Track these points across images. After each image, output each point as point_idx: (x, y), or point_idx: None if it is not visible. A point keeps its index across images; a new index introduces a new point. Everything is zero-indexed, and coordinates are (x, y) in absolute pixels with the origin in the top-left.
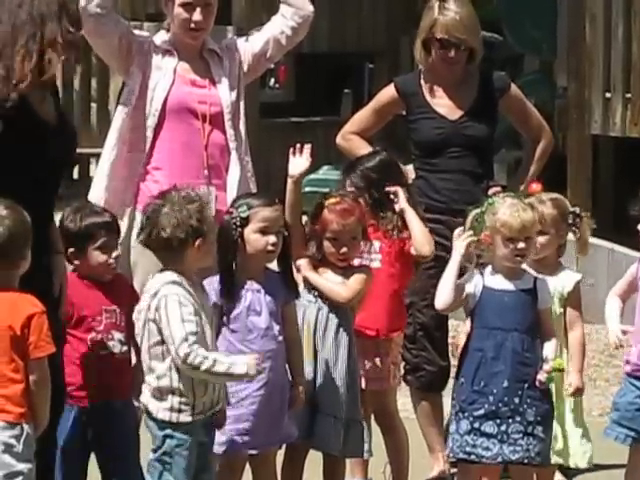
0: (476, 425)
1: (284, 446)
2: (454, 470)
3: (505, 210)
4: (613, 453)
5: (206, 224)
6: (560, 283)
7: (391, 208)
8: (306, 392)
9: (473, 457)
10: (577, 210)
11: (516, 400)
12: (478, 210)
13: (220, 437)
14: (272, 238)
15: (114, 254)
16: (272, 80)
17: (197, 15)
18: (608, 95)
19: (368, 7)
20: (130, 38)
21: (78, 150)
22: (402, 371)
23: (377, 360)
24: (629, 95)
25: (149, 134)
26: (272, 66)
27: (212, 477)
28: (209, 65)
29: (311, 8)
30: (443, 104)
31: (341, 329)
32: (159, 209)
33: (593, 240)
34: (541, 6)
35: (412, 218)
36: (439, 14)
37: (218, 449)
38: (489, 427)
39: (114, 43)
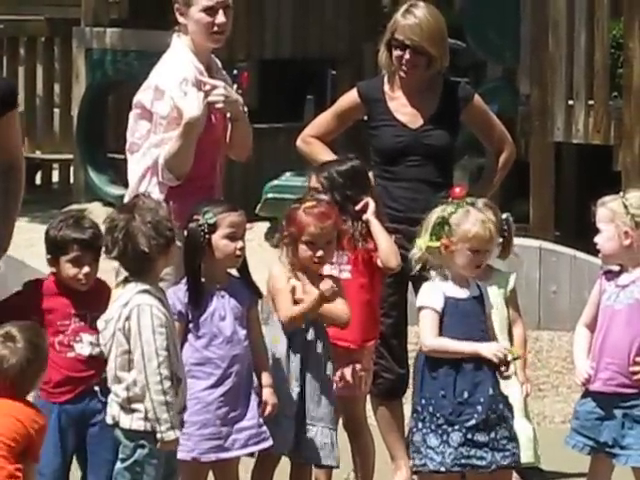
0: (469, 436)
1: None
2: (415, 478)
3: (475, 221)
4: (578, 460)
5: (174, 232)
6: (503, 283)
7: (355, 216)
8: (286, 403)
9: (468, 468)
10: (509, 216)
11: (501, 406)
12: (440, 214)
13: (186, 443)
14: (240, 243)
15: (84, 270)
16: (235, 86)
17: (220, 17)
18: (571, 102)
19: (331, 14)
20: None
21: (41, 156)
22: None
23: (348, 368)
24: (592, 102)
25: None
26: (235, 72)
27: None
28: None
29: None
30: (405, 112)
31: (319, 342)
32: (130, 222)
33: (556, 247)
34: (504, 13)
35: (378, 230)
36: (402, 17)
37: (186, 455)
38: (481, 436)
39: None
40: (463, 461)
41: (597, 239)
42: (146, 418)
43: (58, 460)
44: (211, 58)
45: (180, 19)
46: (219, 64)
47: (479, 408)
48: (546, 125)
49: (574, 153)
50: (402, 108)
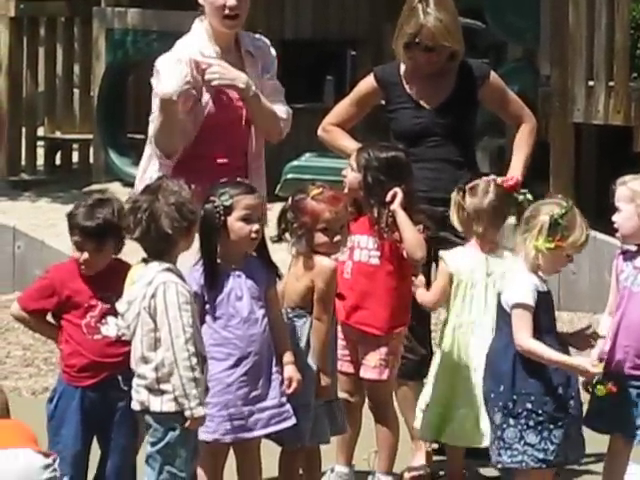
0: (568, 431)
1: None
2: (437, 458)
3: (582, 228)
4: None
5: (196, 215)
6: None
7: (382, 203)
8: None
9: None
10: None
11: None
12: (549, 214)
13: (208, 424)
14: (255, 226)
15: (83, 256)
16: None
17: (232, 1)
18: (591, 83)
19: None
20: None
21: (61, 136)
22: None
23: (374, 353)
24: (612, 83)
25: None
26: None
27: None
28: (244, 65)
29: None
30: (422, 94)
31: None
32: (153, 203)
33: None
34: None
35: (403, 221)
36: (424, 19)
37: (207, 437)
38: (574, 431)
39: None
40: (561, 457)
41: (615, 218)
42: (175, 399)
43: (79, 444)
44: (235, 39)
45: (200, 1)
46: (256, 41)
47: (572, 403)
48: (566, 106)
49: (594, 134)
50: (419, 90)
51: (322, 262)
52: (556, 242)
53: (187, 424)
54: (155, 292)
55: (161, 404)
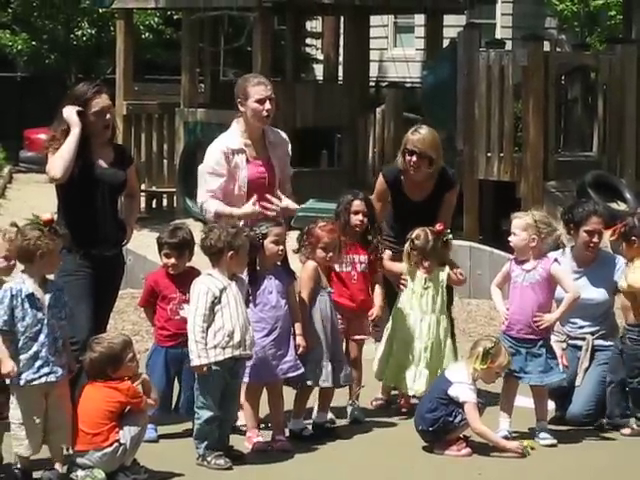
0: None
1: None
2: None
3: (504, 356)
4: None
5: (237, 243)
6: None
7: (372, 240)
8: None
9: None
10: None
11: None
12: (489, 345)
13: (250, 372)
14: (281, 247)
15: (171, 261)
16: None
17: (267, 105)
18: (489, 154)
19: (337, 99)
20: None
21: (155, 189)
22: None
23: (361, 323)
24: (502, 154)
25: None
26: None
27: (237, 399)
28: (268, 152)
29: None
30: (412, 192)
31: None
32: (213, 227)
33: (480, 246)
34: (447, 96)
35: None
36: (411, 134)
37: (250, 380)
38: None
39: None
40: None
41: (512, 239)
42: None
43: (163, 382)
44: (263, 132)
45: (240, 108)
46: (276, 133)
47: None
48: (473, 168)
49: (491, 186)
50: (410, 190)
51: (308, 263)
52: (488, 364)
53: (189, 367)
54: (193, 286)
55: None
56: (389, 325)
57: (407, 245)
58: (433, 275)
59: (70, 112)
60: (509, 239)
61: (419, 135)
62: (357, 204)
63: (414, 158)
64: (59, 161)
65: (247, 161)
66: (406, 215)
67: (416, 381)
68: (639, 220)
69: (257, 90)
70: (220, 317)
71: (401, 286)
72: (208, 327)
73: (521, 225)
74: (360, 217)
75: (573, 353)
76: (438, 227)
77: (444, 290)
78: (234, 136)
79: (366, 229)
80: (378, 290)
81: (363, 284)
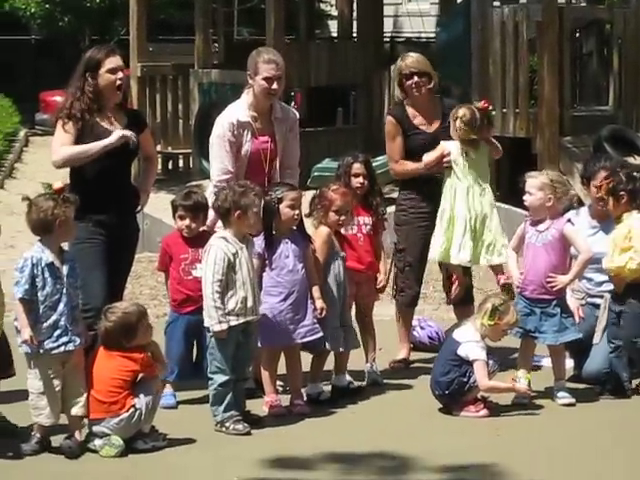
0: None
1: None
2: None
3: (512, 314)
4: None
5: (243, 202)
6: None
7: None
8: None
9: None
10: None
11: None
12: (498, 302)
13: (266, 336)
14: (297, 211)
15: (185, 223)
16: (292, 103)
17: (275, 85)
18: (504, 110)
19: (351, 57)
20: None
21: (171, 151)
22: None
23: (370, 285)
24: (517, 110)
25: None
26: (292, 94)
27: (249, 361)
28: (274, 127)
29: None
30: (423, 122)
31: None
32: (223, 188)
33: (497, 203)
34: (461, 53)
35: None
36: (403, 61)
37: (266, 343)
38: None
39: None
40: None
41: (526, 198)
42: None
43: (182, 348)
44: (271, 107)
45: (249, 80)
46: (285, 110)
47: None
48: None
49: (507, 143)
50: (419, 120)
51: (321, 228)
52: (495, 321)
53: (212, 334)
54: (206, 249)
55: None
56: (442, 205)
57: (453, 123)
58: (477, 150)
59: (120, 134)
60: (524, 199)
61: (411, 58)
62: (357, 167)
63: (415, 78)
64: (67, 153)
65: (252, 134)
66: (424, 151)
67: (461, 251)
68: (627, 175)
69: (266, 68)
70: (233, 283)
71: (446, 164)
72: (223, 293)
73: (537, 184)
74: (360, 180)
75: (592, 311)
76: (483, 104)
77: (487, 164)
78: (242, 109)
79: (367, 191)
80: (382, 256)
81: (369, 246)
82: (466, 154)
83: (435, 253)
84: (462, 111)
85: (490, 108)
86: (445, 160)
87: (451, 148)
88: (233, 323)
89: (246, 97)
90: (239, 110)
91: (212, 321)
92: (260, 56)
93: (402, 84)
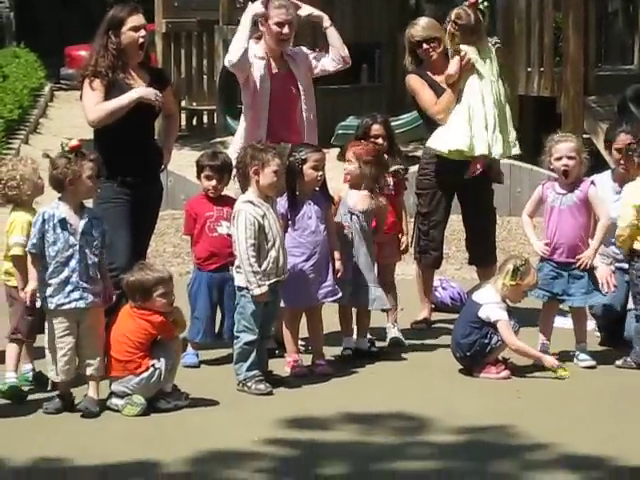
0: None
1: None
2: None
3: (533, 276)
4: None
5: (260, 157)
6: None
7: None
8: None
9: None
10: None
11: None
12: (519, 262)
13: (289, 296)
14: (320, 172)
15: (212, 183)
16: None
17: (286, 29)
18: (529, 69)
19: (376, 13)
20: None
21: (195, 107)
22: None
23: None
24: (542, 69)
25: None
26: (316, 50)
27: (273, 319)
28: (288, 64)
29: (348, 62)
30: (441, 80)
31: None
32: (244, 149)
33: (520, 163)
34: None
35: None
36: (412, 28)
37: (289, 304)
38: None
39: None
40: None
41: (570, 164)
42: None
43: (208, 308)
44: (282, 51)
45: (261, 27)
46: (296, 51)
47: None
48: (513, 84)
49: (531, 102)
50: (438, 77)
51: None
52: (517, 282)
53: (250, 297)
54: (235, 214)
55: (238, 280)
56: (465, 100)
57: (449, 27)
58: (485, 47)
59: (142, 90)
60: (563, 164)
61: (417, 26)
62: (376, 128)
63: (424, 46)
64: (103, 111)
65: (268, 69)
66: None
67: (494, 145)
68: None
69: (277, 13)
70: (265, 244)
71: (465, 63)
72: (257, 256)
73: (574, 148)
74: (380, 141)
75: (621, 277)
76: (471, 0)
77: (495, 59)
78: (256, 45)
79: (387, 152)
80: (404, 216)
81: (391, 206)
82: (478, 51)
83: (458, 143)
84: (455, 13)
85: (480, 0)
86: (464, 62)
87: (466, 49)
88: (268, 283)
89: (258, 45)
90: (253, 45)
91: (252, 285)
92: (271, 1)
93: (413, 52)
